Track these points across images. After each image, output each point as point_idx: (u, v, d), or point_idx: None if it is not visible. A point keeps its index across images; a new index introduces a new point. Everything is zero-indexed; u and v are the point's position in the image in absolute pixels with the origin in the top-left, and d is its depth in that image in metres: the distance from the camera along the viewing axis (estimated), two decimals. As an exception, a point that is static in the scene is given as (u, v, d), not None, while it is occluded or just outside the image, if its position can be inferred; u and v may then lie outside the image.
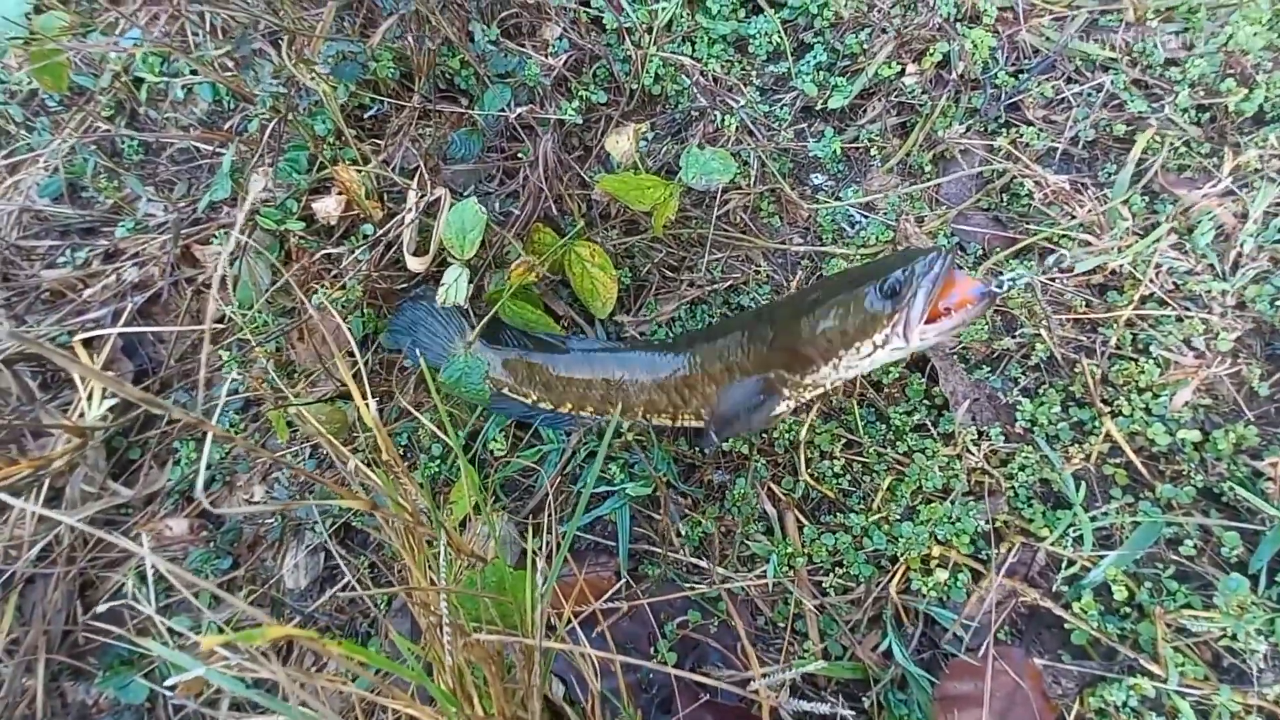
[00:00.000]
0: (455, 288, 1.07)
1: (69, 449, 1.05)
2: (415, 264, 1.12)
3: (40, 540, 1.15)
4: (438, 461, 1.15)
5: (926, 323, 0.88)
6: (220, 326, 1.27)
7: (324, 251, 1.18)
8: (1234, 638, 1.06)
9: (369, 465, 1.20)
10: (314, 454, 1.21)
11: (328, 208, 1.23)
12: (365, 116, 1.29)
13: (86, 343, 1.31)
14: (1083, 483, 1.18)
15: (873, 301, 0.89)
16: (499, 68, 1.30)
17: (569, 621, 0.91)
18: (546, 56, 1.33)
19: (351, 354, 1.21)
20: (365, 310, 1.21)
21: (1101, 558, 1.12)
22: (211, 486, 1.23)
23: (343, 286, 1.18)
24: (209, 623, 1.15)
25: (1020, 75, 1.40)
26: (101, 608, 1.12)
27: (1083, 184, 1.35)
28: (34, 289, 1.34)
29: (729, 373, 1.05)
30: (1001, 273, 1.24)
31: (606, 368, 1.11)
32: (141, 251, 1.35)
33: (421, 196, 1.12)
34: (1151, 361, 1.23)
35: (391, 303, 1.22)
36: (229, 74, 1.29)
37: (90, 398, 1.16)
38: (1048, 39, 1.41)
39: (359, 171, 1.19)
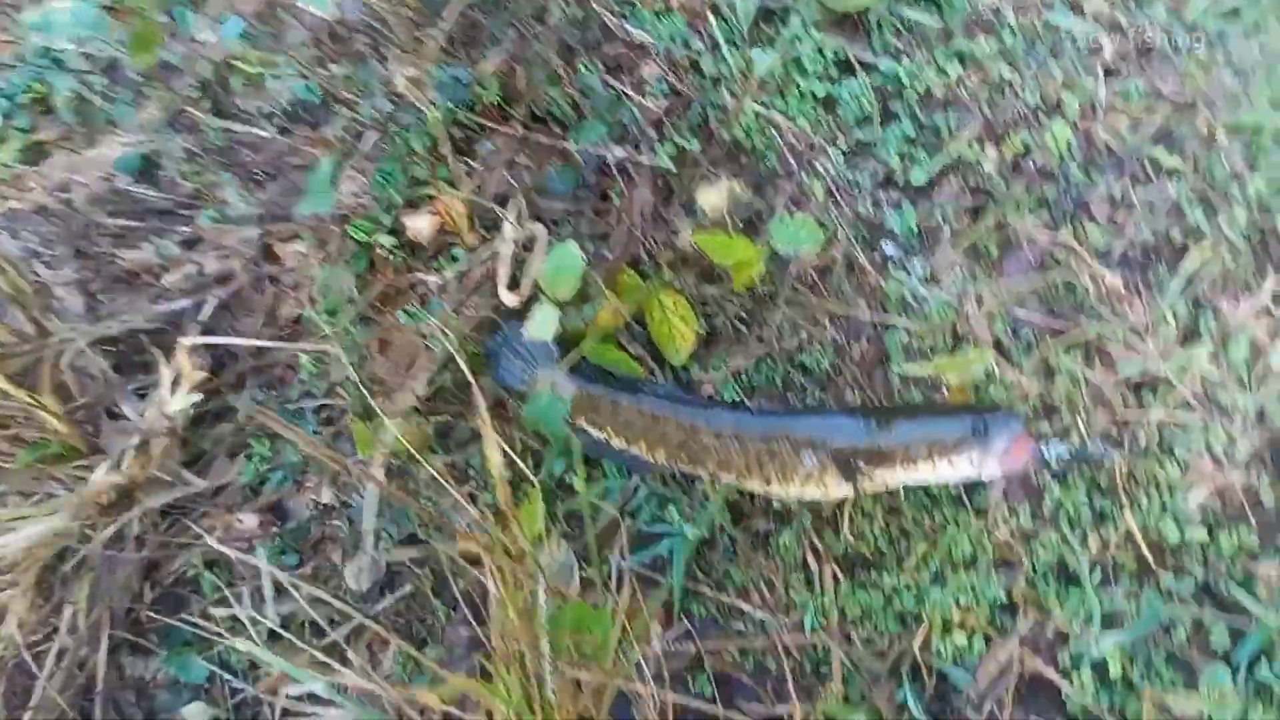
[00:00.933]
0: (543, 325, 1.11)
1: (162, 438, 1.10)
2: (509, 298, 1.16)
3: (113, 524, 1.19)
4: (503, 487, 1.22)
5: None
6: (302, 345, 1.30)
7: (415, 271, 1.22)
8: (1211, 721, 1.18)
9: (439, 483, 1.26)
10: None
11: (419, 226, 1.26)
12: (468, 143, 1.30)
13: (163, 330, 1.33)
14: (1096, 566, 1.28)
15: (964, 431, 1.10)
16: (601, 104, 1.32)
17: (637, 663, 0.99)
18: (644, 98, 1.35)
19: (467, 381, 1.26)
20: (449, 334, 1.26)
21: (1103, 635, 1.23)
22: (283, 486, 1.28)
23: (429, 306, 1.22)
24: (274, 614, 1.21)
25: (1092, 171, 1.45)
26: (187, 597, 1.17)
27: (1135, 284, 1.43)
28: (109, 268, 1.36)
29: (812, 448, 1.14)
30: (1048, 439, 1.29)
31: (690, 416, 1.18)
32: (224, 243, 1.37)
33: (519, 231, 1.16)
34: (1174, 463, 1.33)
35: (476, 329, 1.26)
36: (331, 77, 1.29)
37: (175, 387, 1.20)
38: (1123, 140, 1.47)
39: (459, 196, 1.22)
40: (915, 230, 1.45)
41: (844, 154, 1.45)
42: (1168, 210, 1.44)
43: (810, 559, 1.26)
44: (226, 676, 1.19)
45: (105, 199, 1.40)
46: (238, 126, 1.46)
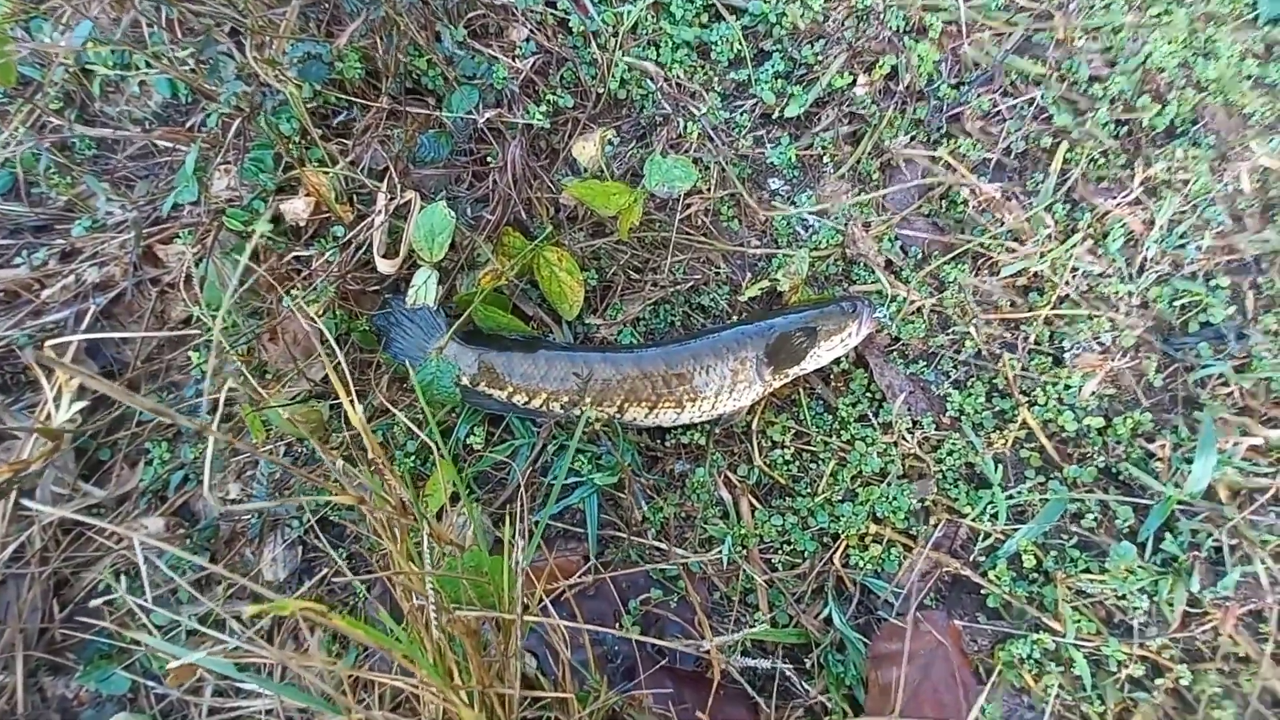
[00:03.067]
0: (424, 289, 1.11)
1: (45, 451, 1.07)
2: (385, 266, 1.16)
3: (13, 542, 1.16)
4: (412, 458, 1.21)
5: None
6: (186, 331, 1.28)
7: (294, 253, 1.20)
8: (1122, 597, 1.23)
9: (347, 462, 1.25)
10: (289, 452, 1.25)
11: (296, 209, 1.25)
12: (334, 120, 1.29)
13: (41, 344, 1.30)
14: (1001, 465, 1.32)
15: (844, 311, 1.27)
16: (467, 70, 1.32)
17: (541, 601, 1.00)
18: (514, 59, 1.35)
19: (332, 352, 1.25)
20: (336, 311, 1.25)
21: (1015, 531, 1.27)
22: (186, 485, 1.26)
23: (313, 288, 1.21)
24: (188, 616, 1.19)
25: (961, 88, 1.50)
26: (94, 602, 1.14)
27: (1012, 193, 1.47)
28: None
29: (723, 364, 1.21)
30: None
31: (589, 361, 1.20)
32: (101, 251, 1.33)
33: (391, 199, 1.16)
34: (1065, 355, 1.38)
35: (363, 304, 1.25)
36: (188, 69, 1.27)
37: (58, 400, 1.17)
38: (987, 53, 1.51)
39: (327, 173, 1.21)
40: (797, 163, 1.47)
41: (720, 97, 1.47)
42: (1036, 117, 1.49)
43: (725, 493, 1.28)
44: (149, 684, 1.16)
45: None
46: (104, 132, 1.42)
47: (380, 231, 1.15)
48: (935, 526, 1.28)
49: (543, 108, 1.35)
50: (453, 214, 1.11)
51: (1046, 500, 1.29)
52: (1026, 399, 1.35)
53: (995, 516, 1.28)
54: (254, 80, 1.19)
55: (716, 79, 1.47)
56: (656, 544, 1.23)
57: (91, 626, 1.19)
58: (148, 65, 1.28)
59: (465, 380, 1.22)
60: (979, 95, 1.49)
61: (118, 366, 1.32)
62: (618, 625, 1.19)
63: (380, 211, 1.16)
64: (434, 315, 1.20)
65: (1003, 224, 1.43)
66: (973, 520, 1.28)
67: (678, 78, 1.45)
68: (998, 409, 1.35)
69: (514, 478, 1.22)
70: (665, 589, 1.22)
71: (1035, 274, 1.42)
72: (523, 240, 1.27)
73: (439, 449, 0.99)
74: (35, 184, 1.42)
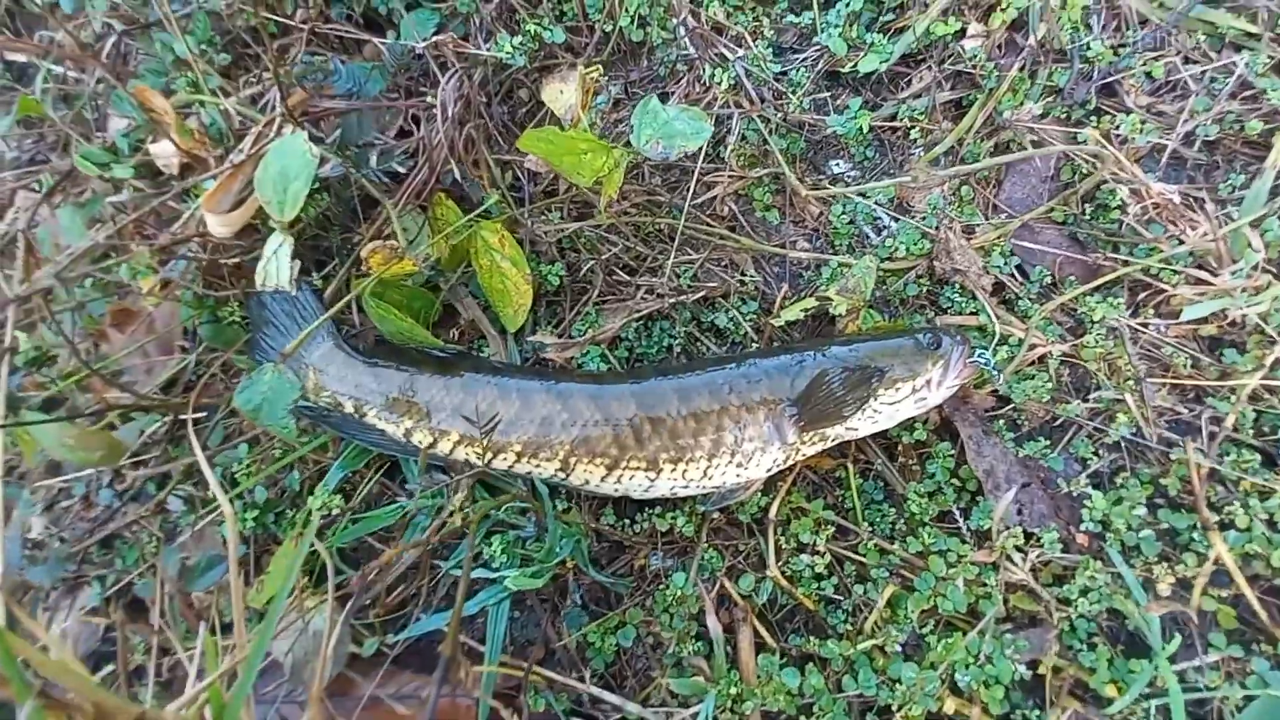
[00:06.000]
0: (276, 263, 0.75)
1: None
2: (217, 225, 0.80)
3: None
4: (255, 513, 0.83)
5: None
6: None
7: (146, 208, 0.86)
8: None
9: (183, 503, 0.88)
10: (114, 483, 0.90)
11: (166, 152, 0.91)
12: (230, 53, 0.96)
13: None
14: (1171, 622, 0.82)
15: (916, 346, 0.84)
16: (418, -16, 0.97)
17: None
18: (489, -25, 1.00)
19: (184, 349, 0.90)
20: (198, 294, 0.89)
21: (1191, 733, 0.77)
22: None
23: (162, 258, 0.86)
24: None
25: (1122, 49, 1.03)
26: None
27: (1198, 199, 0.99)
28: None
29: (725, 413, 0.80)
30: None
31: (528, 393, 0.80)
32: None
33: (265, 136, 0.80)
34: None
35: (235, 285, 0.89)
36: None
37: None
38: (1161, 4, 1.04)
39: (198, 105, 0.87)
40: (872, 138, 1.04)
41: (774, 49, 1.06)
42: (1236, 94, 1.01)
43: (713, 620, 0.82)
44: None
45: None
46: None
47: (232, 178, 0.79)
48: (1057, 716, 0.79)
49: (519, 40, 0.97)
50: (315, 151, 0.74)
51: (1248, 690, 0.78)
52: (1217, 517, 0.85)
53: (1159, 711, 0.78)
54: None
55: (769, 24, 1.07)
56: (598, 691, 0.79)
57: None
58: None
59: (349, 407, 0.84)
60: (1147, 60, 1.02)
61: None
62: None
63: (241, 149, 0.81)
64: (306, 302, 0.83)
65: (1182, 243, 0.95)
66: (1120, 712, 0.78)
67: (714, 17, 1.05)
68: (1167, 528, 0.86)
69: (401, 561, 0.82)
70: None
71: (1234, 321, 0.93)
72: (458, 213, 0.89)
73: (231, 518, 0.60)
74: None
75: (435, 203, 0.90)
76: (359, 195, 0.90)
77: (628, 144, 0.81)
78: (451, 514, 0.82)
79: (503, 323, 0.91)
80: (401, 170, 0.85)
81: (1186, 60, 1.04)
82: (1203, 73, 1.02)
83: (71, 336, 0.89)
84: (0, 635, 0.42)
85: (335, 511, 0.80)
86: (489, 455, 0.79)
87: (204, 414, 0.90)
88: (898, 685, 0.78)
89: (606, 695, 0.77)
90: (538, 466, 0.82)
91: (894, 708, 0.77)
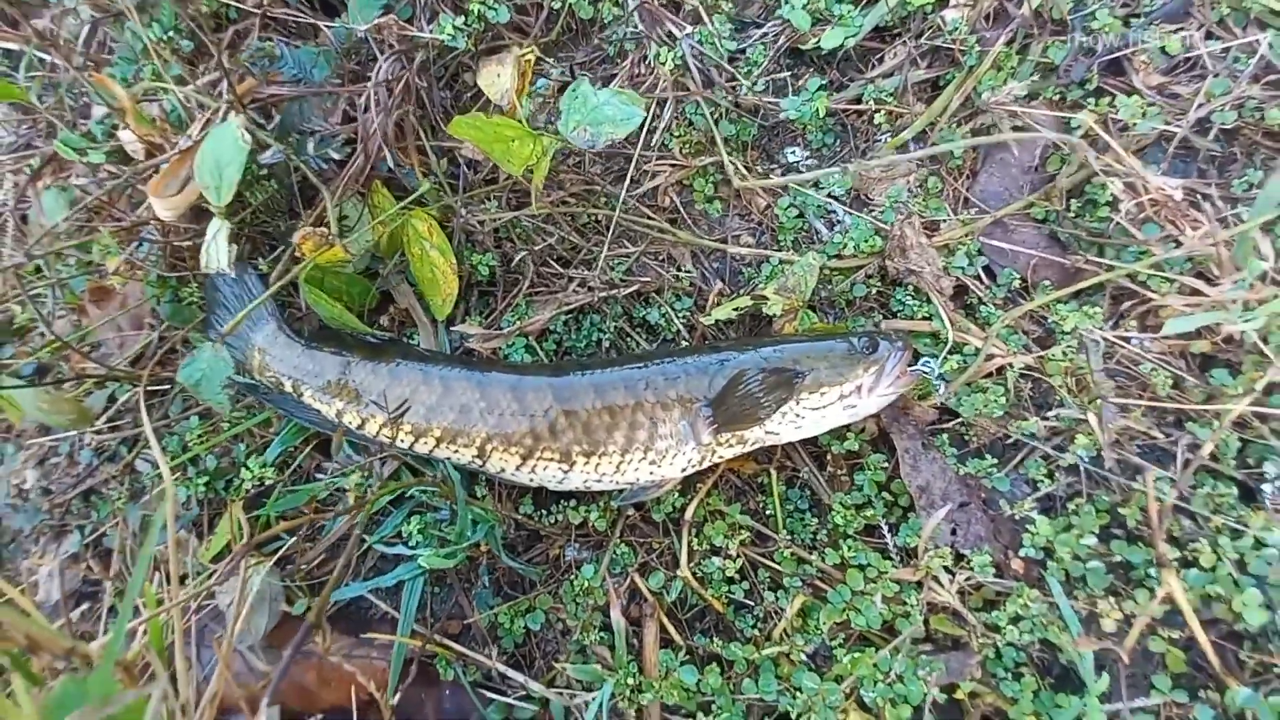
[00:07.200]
0: (216, 247, 0.79)
1: None
2: (161, 208, 0.84)
3: None
4: (205, 479, 0.89)
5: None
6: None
7: (103, 191, 0.92)
8: None
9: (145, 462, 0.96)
10: (93, 444, 0.99)
11: (132, 139, 0.97)
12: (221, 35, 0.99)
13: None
14: (1109, 662, 0.76)
15: (850, 350, 0.80)
16: (369, -37, 0.97)
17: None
18: (440, -47, 0.98)
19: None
20: (161, 271, 0.95)
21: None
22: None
23: (125, 240, 0.92)
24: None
25: (1134, 21, 0.91)
26: None
27: (1204, 194, 0.87)
28: None
29: (639, 409, 0.80)
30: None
31: (450, 380, 0.82)
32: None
33: (212, 124, 0.84)
34: (1266, 488, 0.78)
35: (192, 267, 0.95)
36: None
37: None
38: (1190, -38, 0.91)
39: (159, 92, 0.91)
40: (834, 123, 0.97)
41: (733, 24, 1.00)
42: (1259, 78, 0.86)
43: (617, 614, 0.82)
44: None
45: None
46: None
47: (178, 163, 0.83)
48: (965, 745, 0.75)
49: (463, 21, 0.96)
50: (247, 139, 0.76)
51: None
52: (1178, 554, 0.78)
53: (1083, 753, 0.73)
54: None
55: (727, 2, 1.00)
56: (505, 670, 0.82)
57: None
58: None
59: (288, 386, 0.88)
60: (1162, 34, 0.90)
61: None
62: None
63: (188, 137, 0.84)
64: (247, 282, 0.87)
65: (1179, 245, 0.84)
66: (1040, 747, 0.74)
67: (673, -9, 1.00)
68: (1119, 561, 0.79)
69: (329, 530, 0.86)
70: (506, 740, 0.81)
71: (1230, 337, 0.82)
72: (393, 201, 0.90)
73: (169, 480, 0.65)
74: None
75: (372, 190, 0.92)
76: (300, 182, 0.93)
77: (557, 131, 0.80)
78: (365, 491, 0.85)
79: (432, 311, 0.92)
80: (338, 158, 0.87)
81: (1209, 35, 0.90)
82: (1226, 50, 0.89)
83: (54, 311, 0.98)
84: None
85: (270, 482, 0.87)
86: (396, 437, 0.82)
87: (165, 386, 0.98)
88: (799, 693, 0.76)
89: (512, 673, 0.80)
90: (456, 452, 0.84)
91: (794, 715, 0.75)
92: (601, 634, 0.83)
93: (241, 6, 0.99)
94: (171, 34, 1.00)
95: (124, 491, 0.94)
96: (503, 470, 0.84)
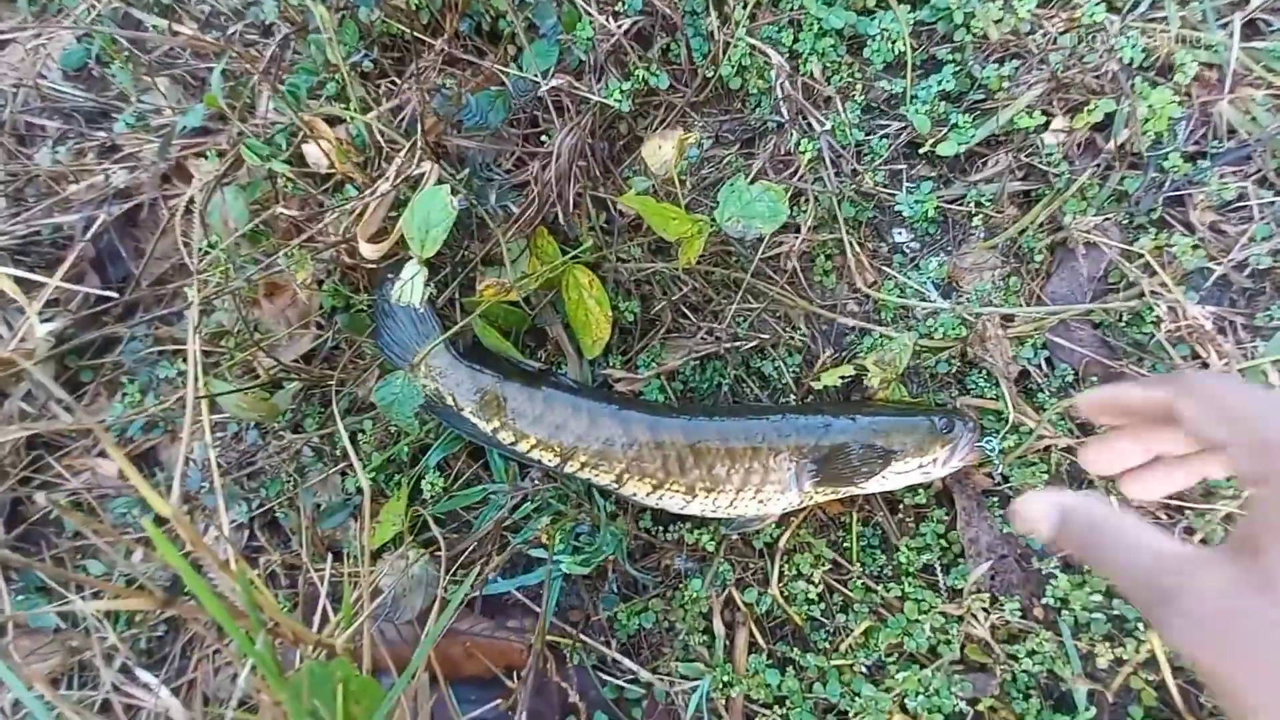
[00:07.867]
0: (410, 287, 0.91)
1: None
2: (369, 250, 0.96)
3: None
4: (372, 474, 1.04)
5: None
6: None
7: (311, 205, 1.03)
8: None
9: (315, 454, 1.10)
10: (259, 426, 1.12)
11: (316, 154, 1.07)
12: (396, 59, 1.08)
13: (59, 245, 1.22)
14: (1097, 695, 0.98)
15: (933, 429, 0.98)
16: (543, 17, 1.06)
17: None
18: (610, 17, 1.08)
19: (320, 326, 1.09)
20: (336, 283, 1.07)
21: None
22: (152, 432, 1.16)
23: (312, 251, 1.03)
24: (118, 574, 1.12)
25: (1200, 160, 1.07)
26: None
27: (1231, 323, 1.05)
28: (33, 174, 1.25)
29: (755, 456, 0.95)
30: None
31: (594, 414, 0.97)
32: (139, 153, 1.23)
33: (405, 167, 0.95)
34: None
35: (367, 279, 1.07)
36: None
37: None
38: (1254, 119, 1.06)
39: (349, 119, 1.01)
40: (938, 216, 1.12)
41: (861, 109, 1.13)
42: (1305, 227, 1.04)
43: (719, 621, 1.02)
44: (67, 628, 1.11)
45: (33, 100, 1.29)
46: (180, 28, 1.30)
47: (380, 205, 0.94)
48: (984, 744, 0.97)
49: (629, 85, 1.07)
50: (455, 205, 0.88)
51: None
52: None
53: (1072, 757, 0.95)
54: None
55: (861, 86, 1.13)
56: (620, 656, 1.00)
57: (39, 552, 1.14)
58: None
59: (450, 400, 1.02)
60: (1223, 177, 1.06)
61: (121, 284, 1.22)
62: (555, 732, 1.00)
63: (386, 179, 0.95)
64: (428, 315, 1.00)
65: (1205, 367, 1.02)
66: (1038, 750, 0.96)
67: (811, 75, 1.12)
68: (1117, 614, 1.00)
69: (478, 527, 1.02)
70: (614, 715, 1.00)
71: (1234, 447, 1.01)
72: (555, 248, 1.03)
73: (366, 487, 0.79)
74: (109, 64, 1.32)
75: (537, 234, 1.04)
76: (475, 221, 1.05)
77: (712, 219, 0.93)
78: (527, 498, 1.01)
79: (582, 350, 1.06)
80: (516, 210, 0.99)
81: (1263, 182, 1.07)
82: (1274, 200, 1.06)
83: (239, 311, 1.09)
84: (240, 574, 0.62)
85: (438, 489, 1.02)
86: (562, 467, 0.98)
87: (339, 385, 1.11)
88: (857, 698, 0.96)
89: (626, 661, 0.99)
90: (596, 476, 1.00)
91: (851, 714, 0.96)
92: (702, 636, 1.01)
93: (425, 39, 1.08)
94: (351, 52, 1.09)
95: (292, 474, 1.08)
96: (634, 494, 1.00)
